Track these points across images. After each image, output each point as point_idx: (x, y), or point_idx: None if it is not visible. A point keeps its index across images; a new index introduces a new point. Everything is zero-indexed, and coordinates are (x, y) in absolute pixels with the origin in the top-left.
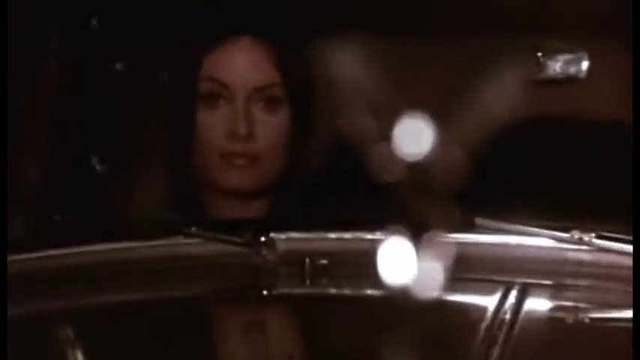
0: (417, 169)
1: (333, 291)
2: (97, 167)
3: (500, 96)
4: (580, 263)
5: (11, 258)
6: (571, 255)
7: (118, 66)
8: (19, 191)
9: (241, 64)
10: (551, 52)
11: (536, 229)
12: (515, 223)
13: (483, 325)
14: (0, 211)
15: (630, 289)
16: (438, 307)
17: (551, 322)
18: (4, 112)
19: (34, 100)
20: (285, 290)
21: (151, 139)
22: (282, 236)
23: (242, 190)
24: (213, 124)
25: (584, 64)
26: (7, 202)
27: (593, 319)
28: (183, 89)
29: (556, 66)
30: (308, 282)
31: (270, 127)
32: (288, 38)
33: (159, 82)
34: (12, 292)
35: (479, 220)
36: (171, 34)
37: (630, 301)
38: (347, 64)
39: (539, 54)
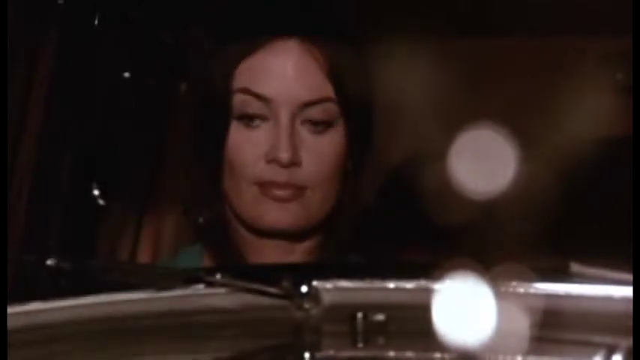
0: (494, 203)
1: (391, 354)
2: (99, 201)
3: (592, 109)
4: None
5: None
6: None
7: (126, 74)
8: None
9: (286, 73)
10: None
11: None
12: (619, 269)
13: None
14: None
15: None
16: None
17: None
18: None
19: (24, 118)
20: (331, 352)
21: (165, 165)
22: (328, 285)
23: (283, 229)
24: (249, 148)
25: None
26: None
27: None
28: (211, 103)
29: None
30: (360, 342)
31: (318, 151)
32: (343, 40)
33: (178, 95)
34: None
35: (574, 266)
36: (195, 33)
37: None
38: (413, 72)
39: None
